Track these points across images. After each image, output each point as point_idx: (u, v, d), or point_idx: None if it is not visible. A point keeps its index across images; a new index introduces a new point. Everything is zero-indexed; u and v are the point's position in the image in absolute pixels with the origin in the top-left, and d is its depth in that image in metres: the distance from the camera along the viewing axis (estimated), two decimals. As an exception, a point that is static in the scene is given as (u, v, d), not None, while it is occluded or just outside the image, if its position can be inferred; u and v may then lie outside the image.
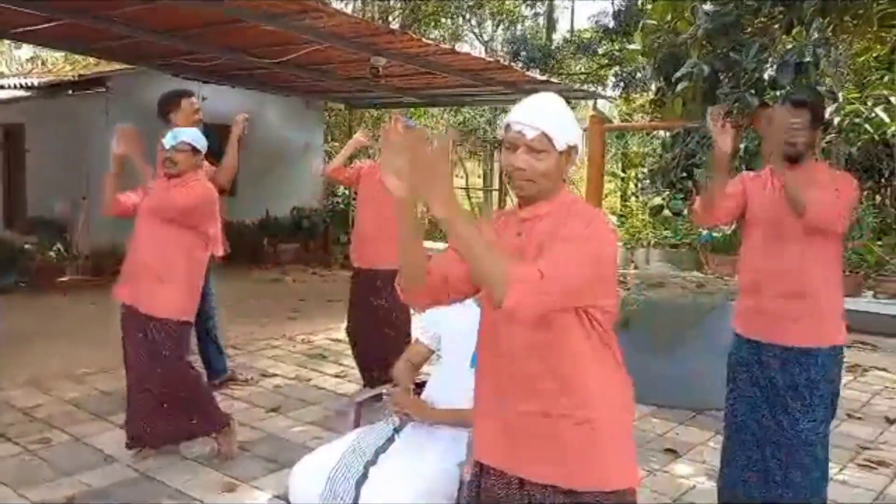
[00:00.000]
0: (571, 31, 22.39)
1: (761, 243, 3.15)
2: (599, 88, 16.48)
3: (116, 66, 9.83)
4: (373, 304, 5.00)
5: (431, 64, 8.01)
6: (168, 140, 3.91)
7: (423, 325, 3.13)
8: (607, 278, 1.90)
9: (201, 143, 3.98)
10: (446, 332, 3.01)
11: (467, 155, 18.79)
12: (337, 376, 5.75)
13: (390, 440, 2.79)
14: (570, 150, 1.93)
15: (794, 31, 4.77)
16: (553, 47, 19.94)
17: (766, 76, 4.79)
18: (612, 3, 20.97)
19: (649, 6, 6.20)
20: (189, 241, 3.93)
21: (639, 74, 18.38)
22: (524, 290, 1.67)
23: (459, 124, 18.94)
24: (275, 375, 5.70)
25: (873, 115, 8.59)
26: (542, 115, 1.91)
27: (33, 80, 10.15)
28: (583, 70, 20.10)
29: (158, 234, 3.87)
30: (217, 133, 4.88)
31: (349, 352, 6.39)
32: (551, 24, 22.27)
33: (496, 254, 1.70)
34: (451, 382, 2.88)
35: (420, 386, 3.10)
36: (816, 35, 4.68)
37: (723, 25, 5.02)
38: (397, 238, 1.89)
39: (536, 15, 22.43)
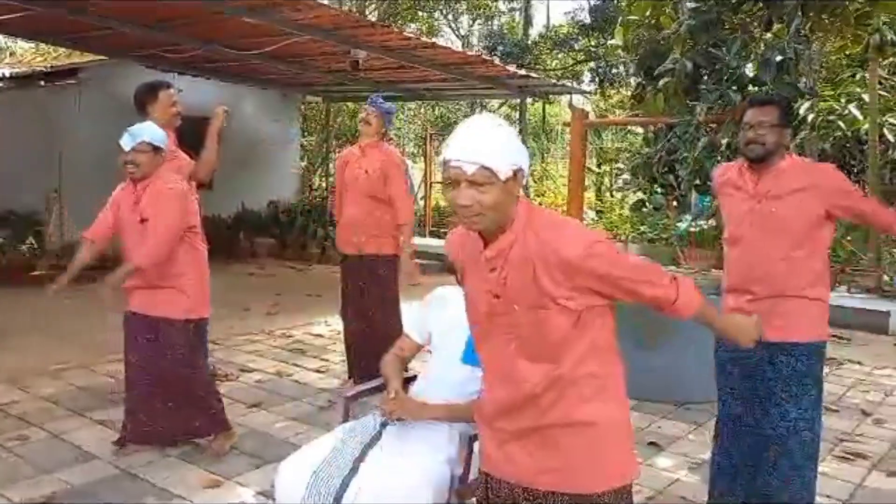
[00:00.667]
0: (547, 26, 22.49)
1: (742, 241, 3.15)
2: (575, 84, 16.51)
3: (89, 57, 9.67)
4: (361, 290, 5.08)
5: (411, 58, 7.98)
6: (126, 141, 3.72)
7: (413, 320, 3.12)
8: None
9: (161, 140, 3.81)
10: (436, 327, 3.00)
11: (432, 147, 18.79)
12: (318, 371, 5.72)
13: (378, 435, 2.77)
14: (517, 174, 1.87)
15: (775, 28, 4.82)
16: (529, 42, 19.97)
17: (747, 72, 4.83)
18: (589, 0, 21.16)
19: (626, 2, 6.23)
20: (188, 243, 3.89)
21: (615, 70, 18.58)
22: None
23: (437, 118, 18.94)
24: (255, 371, 5.65)
25: (846, 112, 8.73)
26: (478, 148, 1.85)
27: (3, 70, 9.93)
28: (559, 66, 20.18)
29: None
30: (193, 126, 4.81)
31: (329, 346, 6.42)
32: (528, 20, 22.32)
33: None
34: (442, 377, 2.87)
35: (408, 381, 3.09)
36: (797, 33, 4.73)
37: (704, 22, 5.06)
38: None
39: (512, 10, 22.46)
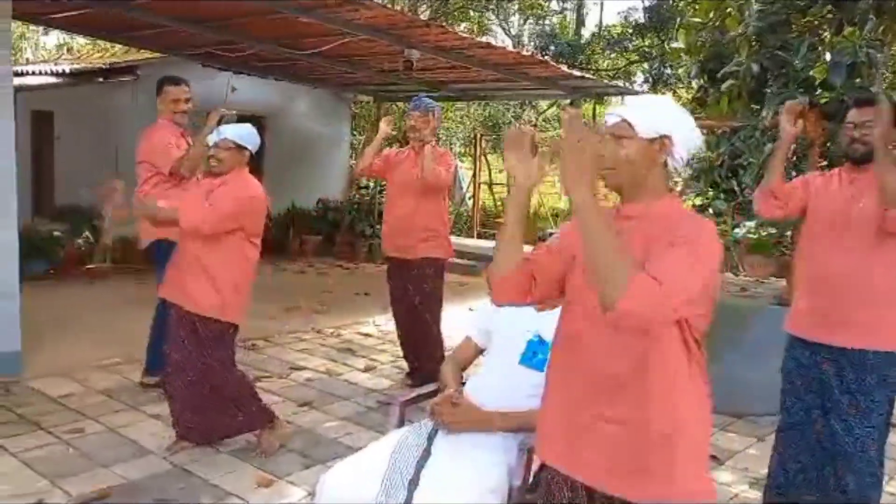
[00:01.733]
0: (600, 26, 22.23)
1: (824, 243, 3.06)
2: (628, 85, 16.29)
3: (147, 54, 9.82)
4: (408, 295, 5.10)
5: (465, 58, 7.92)
6: (212, 137, 3.87)
7: (479, 324, 3.07)
8: (714, 286, 1.85)
9: (247, 139, 3.86)
10: (498, 328, 2.95)
11: (490, 149, 18.71)
12: (367, 371, 5.70)
13: (432, 438, 2.72)
14: (664, 140, 1.89)
15: (847, 31, 4.65)
16: (582, 42, 19.76)
17: (815, 76, 4.68)
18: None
19: (686, 3, 6.08)
20: (237, 243, 3.87)
21: (667, 71, 18.27)
22: (642, 297, 1.62)
23: (485, 118, 18.85)
24: (305, 369, 5.66)
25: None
26: (627, 105, 1.95)
27: (63, 67, 10.15)
28: (611, 66, 19.93)
29: (205, 239, 3.80)
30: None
31: (378, 347, 6.41)
32: (580, 19, 22.11)
33: (620, 253, 1.66)
34: (499, 380, 2.81)
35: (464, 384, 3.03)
36: (870, 36, 4.56)
37: (771, 24, 4.91)
38: (504, 224, 1.97)
39: (564, 10, 22.25)
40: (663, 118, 1.91)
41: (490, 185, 15.13)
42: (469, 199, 14.54)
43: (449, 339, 5.12)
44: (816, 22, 5.24)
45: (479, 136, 13.37)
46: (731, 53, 5.46)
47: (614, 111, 1.95)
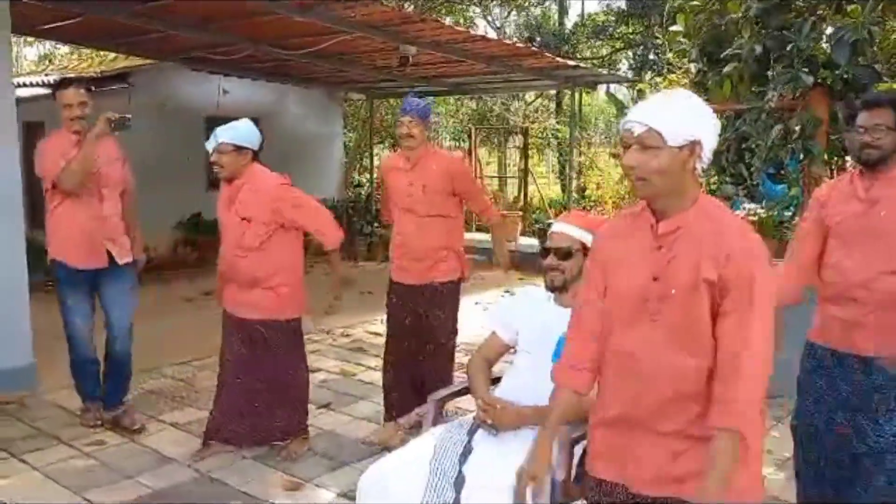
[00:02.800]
0: (582, 15, 22.21)
1: (847, 253, 2.93)
2: (613, 72, 16.29)
3: (138, 61, 9.75)
4: (415, 324, 4.33)
5: (460, 51, 7.90)
6: (209, 144, 3.80)
7: (502, 319, 3.06)
8: None
9: (244, 137, 3.79)
10: (525, 325, 2.94)
11: (481, 143, 18.68)
12: (381, 370, 5.67)
13: (472, 434, 2.72)
14: (693, 145, 1.84)
15: (850, 8, 4.66)
16: (566, 32, 19.75)
17: (819, 55, 4.69)
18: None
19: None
20: (290, 238, 3.88)
21: (651, 57, 18.30)
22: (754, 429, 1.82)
23: (473, 111, 18.82)
24: (319, 370, 5.64)
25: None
26: (652, 111, 1.87)
27: (54, 77, 10.05)
28: (593, 55, 19.93)
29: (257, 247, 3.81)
30: None
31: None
32: (563, 9, 22.08)
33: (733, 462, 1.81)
34: (532, 378, 2.79)
35: (493, 382, 3.03)
36: (871, 13, 4.57)
37: (772, 5, 4.92)
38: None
39: (536, 2, 22.07)
40: (692, 122, 1.86)
41: (481, 178, 15.08)
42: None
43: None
44: (814, 1, 5.25)
45: (473, 130, 13.33)
46: (730, 36, 5.48)
47: (637, 117, 1.86)
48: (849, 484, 3.00)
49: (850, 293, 2.91)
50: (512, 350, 3.07)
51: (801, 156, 4.67)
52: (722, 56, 5.17)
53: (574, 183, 14.52)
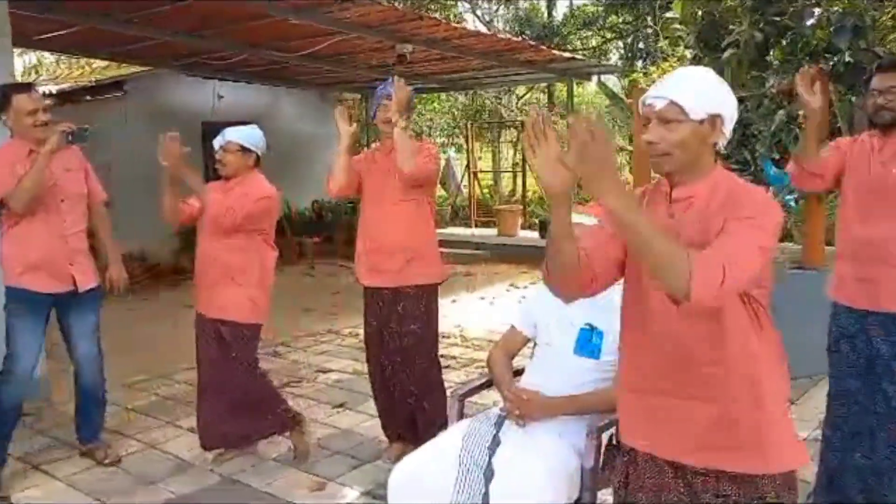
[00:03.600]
0: (571, 6, 22.22)
1: (863, 210, 3.04)
2: (604, 62, 16.31)
3: (132, 69, 9.74)
4: (393, 332, 3.89)
5: (457, 48, 7.92)
6: (217, 141, 3.87)
7: (522, 312, 3.09)
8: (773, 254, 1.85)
9: (251, 140, 3.84)
10: (543, 319, 2.96)
11: (474, 136, 18.72)
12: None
13: (500, 426, 2.74)
14: (714, 119, 1.84)
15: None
16: (557, 23, 19.77)
17: (820, 40, 4.72)
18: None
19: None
20: (256, 244, 3.88)
21: (640, 46, 18.33)
22: (709, 283, 1.62)
23: (466, 106, 18.82)
24: (332, 371, 5.67)
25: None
26: (672, 85, 1.86)
27: (49, 88, 10.04)
28: (581, 46, 19.94)
29: (224, 240, 3.80)
30: None
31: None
32: (552, 1, 22.07)
33: (674, 245, 1.65)
34: (554, 370, 2.83)
35: (515, 374, 3.06)
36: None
37: (769, -9, 4.95)
38: (551, 235, 1.88)
39: None
40: (713, 96, 1.86)
41: (475, 172, 15.10)
42: (464, 188, 14.55)
43: (467, 330, 5.10)
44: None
45: (469, 125, 13.35)
46: (726, 23, 5.51)
47: (658, 92, 1.86)
48: (872, 450, 3.06)
49: (867, 251, 3.00)
50: (531, 343, 3.11)
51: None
52: (724, 43, 5.19)
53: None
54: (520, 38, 9.47)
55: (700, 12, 5.68)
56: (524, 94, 19.81)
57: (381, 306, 3.90)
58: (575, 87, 20.04)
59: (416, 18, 7.01)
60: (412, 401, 3.88)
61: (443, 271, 4.02)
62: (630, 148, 16.28)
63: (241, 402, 3.92)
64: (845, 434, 3.16)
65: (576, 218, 2.82)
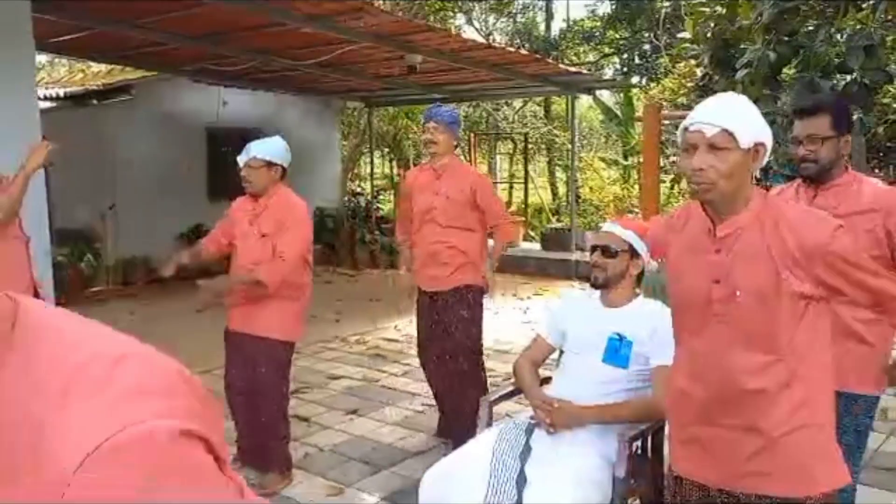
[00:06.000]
0: (567, 20, 22.40)
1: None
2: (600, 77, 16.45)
3: (139, 73, 9.77)
4: (444, 330, 4.29)
5: (465, 60, 7.99)
6: (241, 157, 3.78)
7: (549, 321, 3.13)
8: None
9: (276, 154, 3.76)
10: (573, 329, 3.00)
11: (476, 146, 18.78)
12: (404, 375, 5.74)
13: (530, 433, 2.78)
14: (758, 148, 1.85)
15: (861, 14, 4.78)
16: (555, 37, 19.92)
17: (832, 59, 4.81)
18: (609, -9, 21.06)
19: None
20: (300, 264, 3.82)
21: (637, 61, 18.48)
22: None
23: (464, 118, 18.93)
24: (342, 377, 5.69)
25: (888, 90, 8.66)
26: (723, 112, 1.85)
27: (57, 90, 10.05)
28: (581, 60, 20.08)
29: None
30: (239, 137, 4.64)
31: (406, 350, 6.43)
32: (549, 15, 22.24)
33: None
34: (582, 379, 2.87)
35: (542, 382, 3.10)
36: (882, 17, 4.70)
37: (781, 11, 5.04)
38: None
39: (526, 7, 22.10)
40: (760, 125, 1.87)
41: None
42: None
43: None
44: (819, 7, 5.38)
45: (472, 136, 13.45)
46: (738, 42, 5.60)
47: (708, 119, 1.83)
48: None
49: None
50: (557, 352, 3.15)
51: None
52: (734, 62, 5.27)
53: (567, 187, 14.61)
54: (529, 52, 9.55)
55: (711, 32, 5.77)
56: (521, 107, 19.93)
57: (433, 305, 4.34)
58: (572, 100, 20.24)
59: (427, 30, 7.08)
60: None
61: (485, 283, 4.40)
62: (625, 163, 16.50)
63: (257, 422, 3.88)
64: None
65: (616, 229, 2.91)
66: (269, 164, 3.75)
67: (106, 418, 0.61)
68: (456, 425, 4.13)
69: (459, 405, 4.16)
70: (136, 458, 0.60)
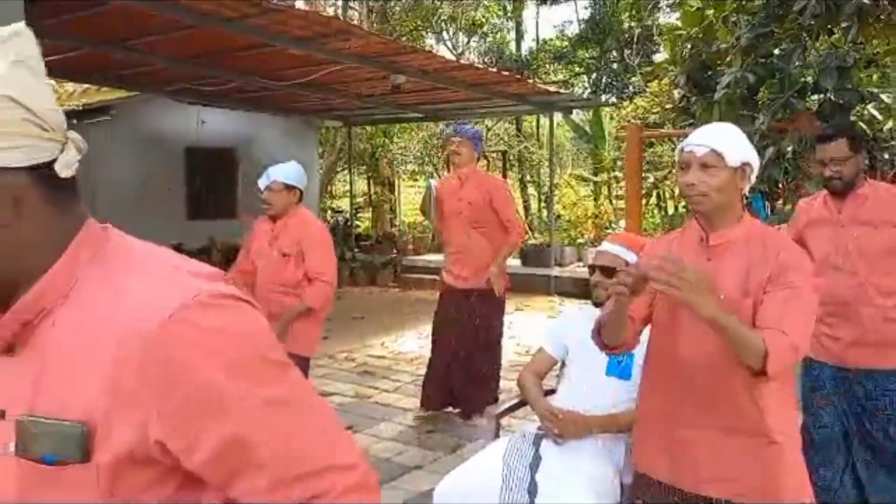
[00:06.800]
0: (537, 39, 22.69)
1: (830, 267, 3.19)
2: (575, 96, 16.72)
3: (119, 93, 9.76)
4: (464, 323, 4.95)
5: (447, 79, 8.13)
6: (262, 182, 3.98)
7: (551, 335, 3.23)
8: None
9: (295, 178, 3.96)
10: (575, 341, 3.11)
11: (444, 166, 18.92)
12: (395, 392, 5.81)
13: (538, 444, 2.87)
14: (745, 167, 2.08)
15: (834, 37, 5.00)
16: (527, 57, 20.21)
17: (807, 80, 5.01)
18: (577, 12, 21.39)
19: (671, 29, 6.41)
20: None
21: (605, 79, 18.82)
22: (780, 361, 1.88)
23: (434, 135, 19.09)
24: (334, 394, 5.73)
25: (864, 113, 8.96)
26: (711, 135, 2.11)
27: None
28: (550, 80, 20.38)
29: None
30: (216, 157, 4.68)
31: (395, 367, 6.52)
32: (520, 34, 22.54)
33: (752, 334, 1.90)
34: (586, 391, 2.97)
35: (546, 394, 3.20)
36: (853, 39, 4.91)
37: (757, 36, 5.24)
38: (621, 315, 2.11)
39: (495, 28, 22.33)
40: (745, 147, 2.11)
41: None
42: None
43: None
44: (794, 31, 5.60)
45: (444, 152, 13.56)
46: (714, 63, 5.80)
47: (700, 141, 2.08)
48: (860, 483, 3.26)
49: (836, 309, 3.17)
50: (559, 364, 3.25)
51: (789, 179, 5.02)
52: (712, 83, 5.46)
53: (543, 204, 14.80)
54: (509, 72, 9.73)
55: (688, 54, 5.96)
56: (494, 124, 20.15)
57: (456, 300, 5.04)
58: (542, 119, 20.51)
59: (412, 51, 7.20)
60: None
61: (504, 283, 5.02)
62: (596, 179, 16.77)
63: None
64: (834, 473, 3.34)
65: (615, 249, 3.02)
66: (288, 188, 3.95)
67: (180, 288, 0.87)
68: (470, 392, 4.92)
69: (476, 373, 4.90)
70: (214, 310, 0.86)
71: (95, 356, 0.83)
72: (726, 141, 2.08)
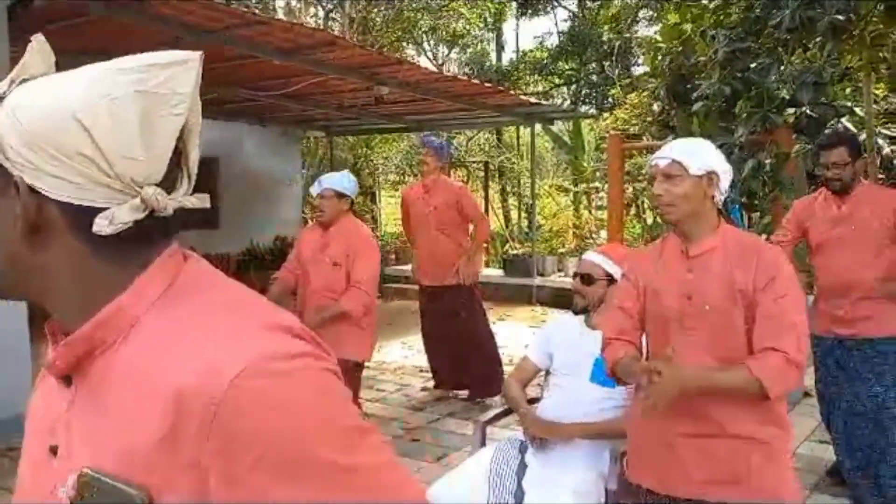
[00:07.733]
0: (517, 51, 22.85)
1: (831, 255, 3.63)
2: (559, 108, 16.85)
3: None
4: (444, 315, 5.51)
5: (430, 91, 8.19)
6: (314, 189, 4.11)
7: (535, 343, 3.29)
8: None
9: (346, 186, 4.07)
10: (560, 349, 3.17)
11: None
12: (378, 401, 5.83)
13: (524, 451, 2.92)
14: (710, 175, 2.16)
15: (809, 52, 5.12)
16: (508, 68, 20.35)
17: (784, 94, 5.12)
18: (556, 24, 21.61)
19: (660, 30, 6.51)
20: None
21: (584, 91, 19.00)
22: (776, 381, 1.99)
23: (414, 146, 19.13)
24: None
25: (839, 126, 9.14)
26: (675, 148, 2.21)
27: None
28: (535, 90, 20.53)
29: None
30: (198, 167, 4.73)
31: (378, 377, 6.54)
32: (500, 46, 22.71)
33: (738, 374, 2.03)
34: (571, 399, 3.03)
35: (530, 402, 3.25)
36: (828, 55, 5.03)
37: (734, 50, 5.35)
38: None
39: (476, 39, 22.46)
40: (708, 156, 2.19)
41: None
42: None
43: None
44: (770, 45, 5.72)
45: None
46: (694, 75, 5.91)
47: (663, 154, 2.21)
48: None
49: (838, 290, 3.60)
50: (543, 372, 3.31)
51: (768, 189, 5.14)
52: (691, 96, 5.56)
53: (524, 214, 14.88)
54: (492, 84, 9.82)
55: (668, 67, 6.07)
56: (475, 135, 20.24)
57: (434, 296, 5.68)
58: (522, 129, 20.64)
59: (396, 63, 7.26)
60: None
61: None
62: (575, 189, 16.89)
63: None
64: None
65: (596, 259, 3.09)
66: (340, 196, 4.06)
67: (258, 343, 0.78)
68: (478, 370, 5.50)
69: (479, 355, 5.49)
70: (286, 376, 0.77)
71: (154, 408, 0.76)
72: (687, 150, 2.18)
